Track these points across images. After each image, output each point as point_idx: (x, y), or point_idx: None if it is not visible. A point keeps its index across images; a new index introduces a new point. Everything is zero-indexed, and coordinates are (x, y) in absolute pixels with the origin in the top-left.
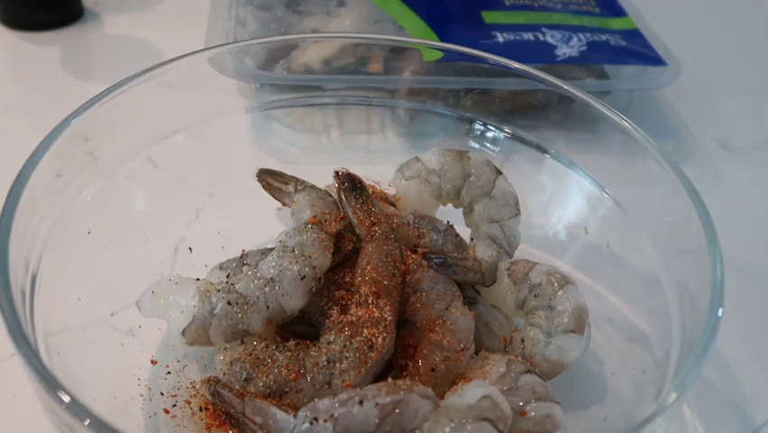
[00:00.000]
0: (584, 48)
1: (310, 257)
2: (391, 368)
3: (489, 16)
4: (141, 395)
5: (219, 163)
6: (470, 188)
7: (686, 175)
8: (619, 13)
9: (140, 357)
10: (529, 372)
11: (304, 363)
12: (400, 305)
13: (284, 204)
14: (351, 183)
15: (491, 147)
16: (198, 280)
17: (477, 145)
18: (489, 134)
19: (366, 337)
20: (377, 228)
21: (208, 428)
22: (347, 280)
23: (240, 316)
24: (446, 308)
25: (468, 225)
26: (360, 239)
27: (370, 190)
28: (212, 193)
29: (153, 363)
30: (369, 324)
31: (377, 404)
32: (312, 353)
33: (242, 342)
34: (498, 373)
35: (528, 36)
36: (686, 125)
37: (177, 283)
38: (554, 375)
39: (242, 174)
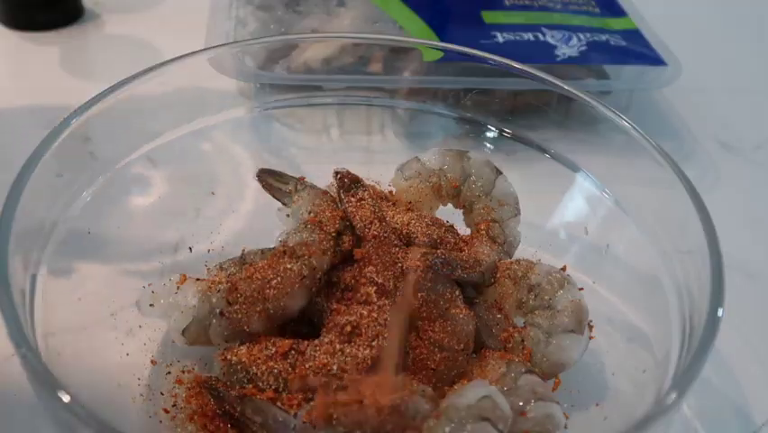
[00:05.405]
0: (584, 48)
1: (310, 257)
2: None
3: (489, 16)
4: (142, 395)
5: (219, 163)
6: (470, 188)
7: (686, 175)
8: (619, 13)
9: (140, 357)
10: (529, 372)
11: (303, 363)
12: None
13: (284, 204)
14: (350, 183)
15: (491, 147)
16: (198, 280)
17: (477, 145)
18: (489, 134)
19: (366, 337)
20: (376, 228)
21: (208, 428)
22: (347, 280)
23: (240, 316)
24: (446, 308)
25: (468, 226)
26: (360, 239)
27: (370, 190)
28: (212, 193)
29: (153, 363)
30: (369, 324)
31: (377, 404)
32: (312, 353)
33: (242, 342)
34: (498, 373)
35: (528, 36)
36: (686, 125)
37: (177, 283)
38: (554, 375)
39: (242, 174)
